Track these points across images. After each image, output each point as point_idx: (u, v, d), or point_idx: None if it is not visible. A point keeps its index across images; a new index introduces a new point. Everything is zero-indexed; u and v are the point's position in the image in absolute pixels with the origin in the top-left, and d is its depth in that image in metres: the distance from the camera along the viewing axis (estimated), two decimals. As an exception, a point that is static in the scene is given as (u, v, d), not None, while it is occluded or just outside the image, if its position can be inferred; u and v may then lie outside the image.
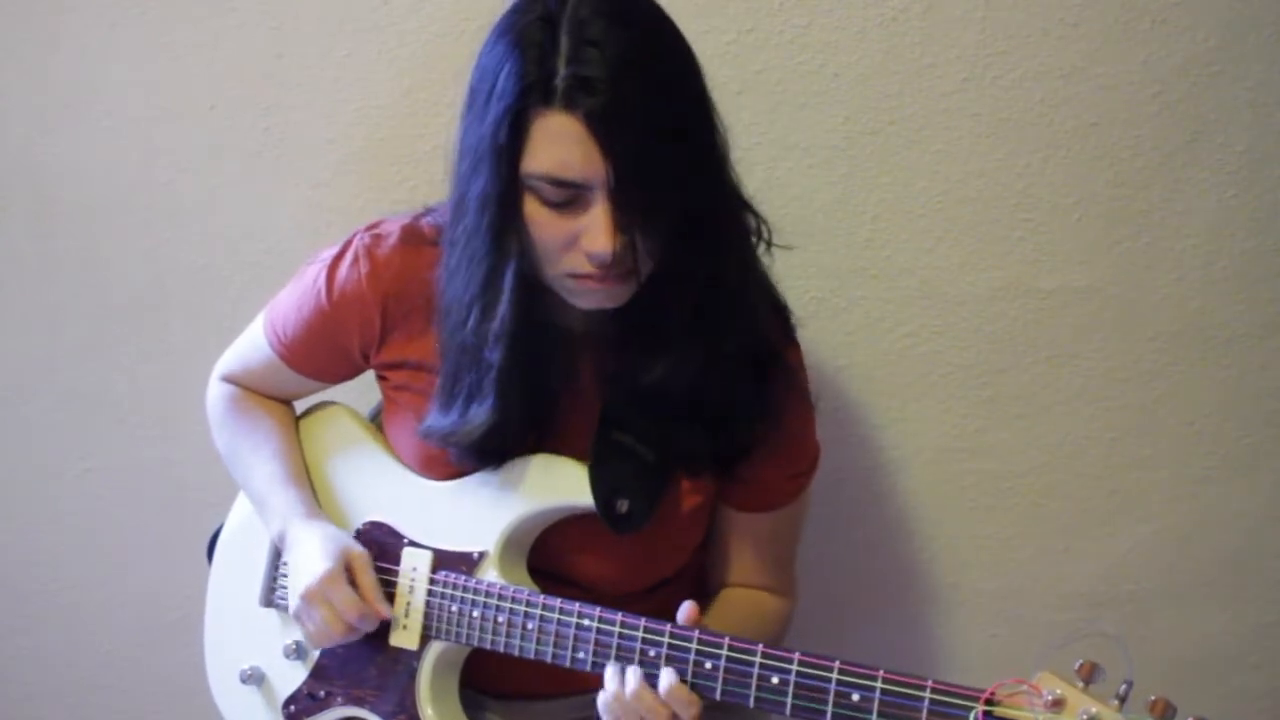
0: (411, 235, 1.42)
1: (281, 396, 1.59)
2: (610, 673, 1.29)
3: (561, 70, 1.17)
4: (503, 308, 1.27)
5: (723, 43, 1.65)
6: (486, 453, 1.37)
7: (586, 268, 1.23)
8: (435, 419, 1.37)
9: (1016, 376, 1.73)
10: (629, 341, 1.33)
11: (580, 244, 1.22)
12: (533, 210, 1.23)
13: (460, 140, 1.28)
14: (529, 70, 1.19)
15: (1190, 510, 1.76)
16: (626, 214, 1.20)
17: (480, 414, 1.33)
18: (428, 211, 1.44)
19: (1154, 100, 1.62)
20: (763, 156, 1.68)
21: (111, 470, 1.97)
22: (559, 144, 1.18)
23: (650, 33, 1.23)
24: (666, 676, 1.25)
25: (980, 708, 1.12)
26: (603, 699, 1.29)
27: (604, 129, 1.17)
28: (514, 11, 1.24)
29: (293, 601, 1.41)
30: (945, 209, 1.68)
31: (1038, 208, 1.67)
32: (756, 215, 1.37)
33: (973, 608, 1.83)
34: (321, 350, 1.49)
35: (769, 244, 1.40)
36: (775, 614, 1.50)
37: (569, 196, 1.21)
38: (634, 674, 1.27)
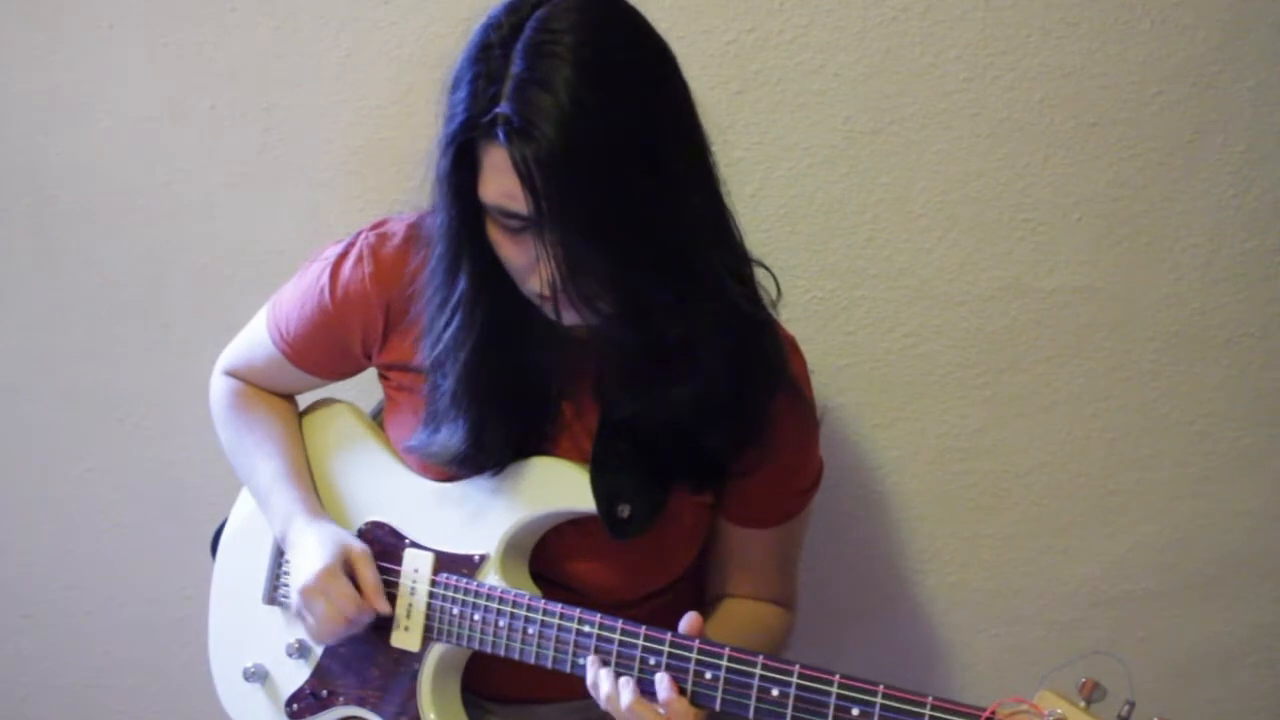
0: (416, 235, 1.41)
1: (284, 391, 1.59)
2: (604, 674, 1.28)
3: (502, 107, 1.16)
4: (449, 334, 1.30)
5: (723, 43, 1.65)
6: (471, 468, 1.38)
7: (537, 289, 1.24)
8: (415, 436, 1.39)
9: (1016, 376, 1.73)
10: (622, 355, 1.33)
11: (538, 267, 1.22)
12: (494, 234, 1.24)
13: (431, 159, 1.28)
14: (474, 104, 1.18)
15: (1190, 510, 1.75)
16: (563, 250, 1.19)
17: (447, 437, 1.35)
18: (433, 211, 1.45)
19: (1154, 100, 1.62)
20: (763, 156, 1.68)
21: (111, 470, 1.97)
22: (503, 176, 1.18)
23: (610, 72, 1.18)
24: (662, 686, 1.25)
25: None
26: (603, 697, 1.28)
27: (534, 174, 1.15)
28: (486, 27, 1.21)
29: (293, 598, 1.41)
30: (945, 209, 1.68)
31: (1038, 208, 1.67)
32: (751, 260, 1.35)
33: (973, 608, 1.82)
34: (324, 348, 1.49)
35: (776, 302, 1.39)
36: (777, 626, 1.50)
37: (520, 225, 1.21)
38: (627, 686, 1.26)
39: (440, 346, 1.32)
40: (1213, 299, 1.68)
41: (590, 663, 1.30)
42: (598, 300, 1.22)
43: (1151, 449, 1.74)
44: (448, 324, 1.31)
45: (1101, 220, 1.67)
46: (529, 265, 1.23)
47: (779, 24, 1.65)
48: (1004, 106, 1.64)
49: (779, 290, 1.40)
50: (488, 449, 1.36)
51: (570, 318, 1.26)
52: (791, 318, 1.49)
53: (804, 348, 1.48)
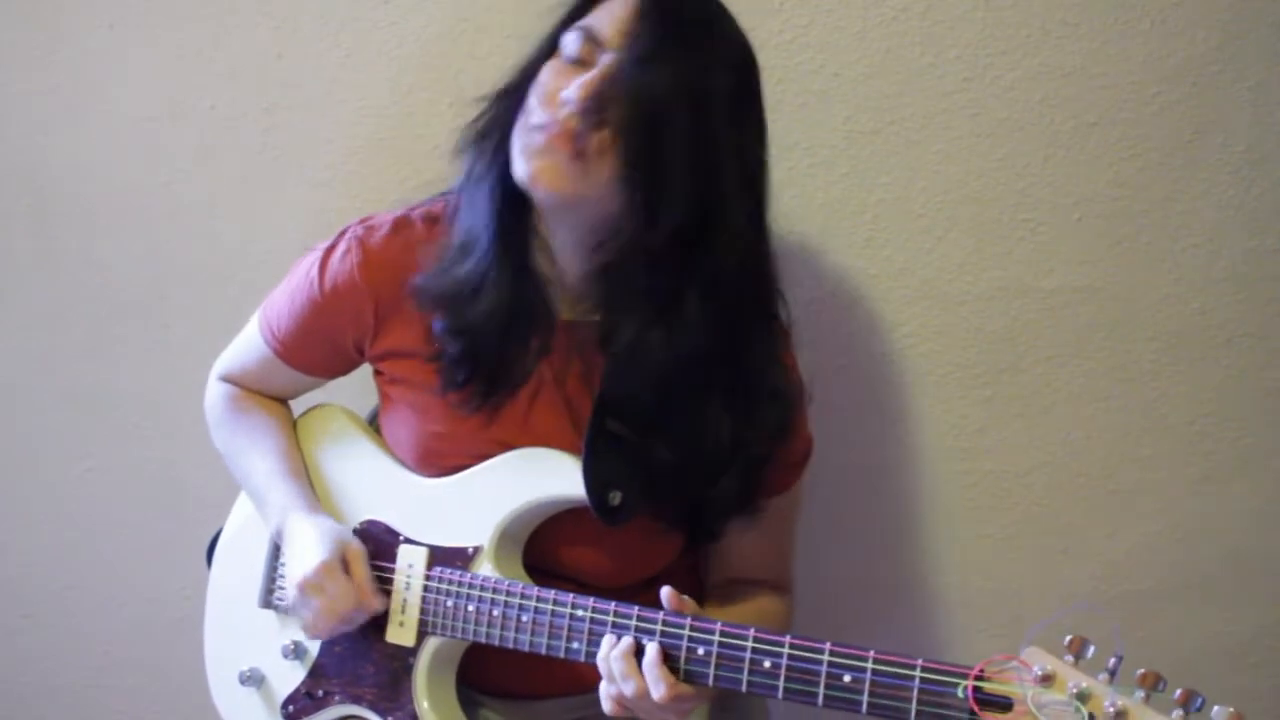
0: (403, 225, 1.43)
1: (279, 395, 1.60)
2: (608, 636, 1.29)
3: None
4: (479, 165, 1.35)
5: (723, 42, 1.65)
6: (456, 322, 1.37)
7: (545, 115, 1.26)
8: (428, 275, 1.39)
9: (1016, 376, 1.73)
10: (610, 329, 1.34)
11: (578, 80, 1.26)
12: (545, 68, 1.29)
13: None
14: None
15: (1190, 510, 1.75)
16: (614, 88, 1.23)
17: (470, 267, 1.35)
18: (419, 205, 1.45)
19: (1154, 100, 1.62)
20: (763, 156, 1.68)
21: (111, 470, 1.97)
22: (617, 5, 1.26)
23: (727, 22, 1.32)
24: (650, 650, 1.25)
25: (970, 683, 1.12)
26: (600, 656, 1.29)
27: (651, 13, 1.25)
28: None
29: (290, 591, 1.41)
30: (945, 209, 1.68)
31: (1038, 208, 1.67)
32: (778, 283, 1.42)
33: (973, 608, 1.82)
34: (315, 342, 1.50)
35: (782, 317, 1.44)
36: (775, 611, 1.50)
37: (585, 55, 1.26)
38: (628, 638, 1.28)
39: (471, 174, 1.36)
40: (1213, 299, 1.68)
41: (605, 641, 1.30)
42: (602, 151, 1.25)
43: (1151, 449, 1.74)
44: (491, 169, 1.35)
45: (1101, 220, 1.67)
46: (554, 92, 1.26)
47: (779, 24, 1.65)
48: (1004, 106, 1.64)
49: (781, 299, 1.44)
50: (487, 315, 1.36)
51: (538, 159, 1.27)
52: (791, 318, 1.50)
53: (804, 347, 1.49)
